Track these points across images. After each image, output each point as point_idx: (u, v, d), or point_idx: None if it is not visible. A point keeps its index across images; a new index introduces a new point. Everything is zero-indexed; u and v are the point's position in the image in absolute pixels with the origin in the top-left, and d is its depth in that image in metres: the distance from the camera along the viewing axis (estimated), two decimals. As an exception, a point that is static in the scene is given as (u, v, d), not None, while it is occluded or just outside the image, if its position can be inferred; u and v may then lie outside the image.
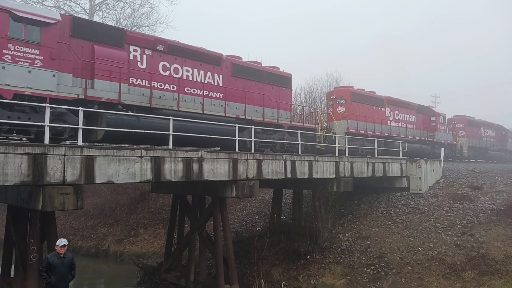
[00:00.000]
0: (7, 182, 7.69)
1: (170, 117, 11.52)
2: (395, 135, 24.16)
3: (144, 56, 13.23)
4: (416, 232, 16.50)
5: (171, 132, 11.29)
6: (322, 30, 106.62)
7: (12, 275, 11.44)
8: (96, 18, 30.97)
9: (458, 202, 18.28)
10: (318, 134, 18.44)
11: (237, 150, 13.25)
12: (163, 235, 21.49)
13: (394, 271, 14.36)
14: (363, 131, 21.89)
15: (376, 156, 19.81)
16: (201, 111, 14.07)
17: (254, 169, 12.60)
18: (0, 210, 25.54)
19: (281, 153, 15.39)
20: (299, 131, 16.16)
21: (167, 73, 13.76)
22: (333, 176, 15.90)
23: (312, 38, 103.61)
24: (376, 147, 20.05)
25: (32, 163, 7.99)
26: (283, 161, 13.69)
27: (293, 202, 19.68)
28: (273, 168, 13.34)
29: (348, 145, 19.18)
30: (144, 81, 12.99)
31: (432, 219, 17.27)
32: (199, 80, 14.65)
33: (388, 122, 24.50)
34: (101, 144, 11.73)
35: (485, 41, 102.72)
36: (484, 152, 34.66)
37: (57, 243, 8.79)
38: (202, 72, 14.83)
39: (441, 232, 16.16)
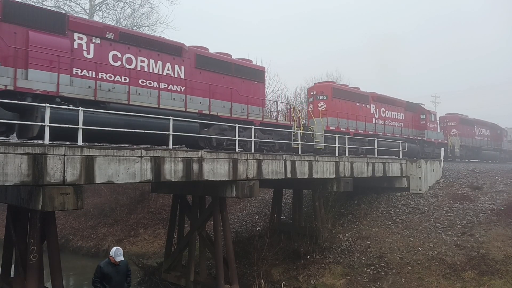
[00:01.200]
0: (7, 182, 7.68)
1: (171, 117, 11.50)
2: (380, 133, 23.14)
3: (91, 45, 11.94)
4: (416, 232, 16.51)
5: (171, 132, 11.29)
6: (322, 30, 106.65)
7: (12, 275, 11.44)
8: (96, 18, 30.97)
9: (458, 202, 18.29)
10: (294, 132, 17.15)
11: (237, 150, 13.25)
12: (163, 235, 21.49)
13: (394, 271, 14.36)
14: (344, 129, 20.75)
15: (366, 155, 19.45)
16: (156, 105, 12.85)
17: (254, 169, 12.60)
18: (0, 210, 25.53)
19: (254, 152, 14.53)
20: (275, 128, 15.27)
21: (118, 63, 12.52)
22: (333, 176, 15.90)
23: (312, 38, 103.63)
24: (365, 146, 19.41)
25: (32, 163, 7.99)
26: (283, 161, 13.70)
27: (293, 202, 19.68)
28: (273, 168, 13.34)
29: (328, 143, 18.46)
30: (90, 72, 11.70)
31: (432, 219, 17.27)
32: (156, 71, 13.42)
33: (373, 119, 23.31)
34: (101, 144, 11.73)
35: (485, 41, 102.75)
36: (477, 152, 33.65)
37: (112, 253, 8.24)
38: (160, 63, 13.57)
39: (441, 232, 16.16)
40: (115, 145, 12.49)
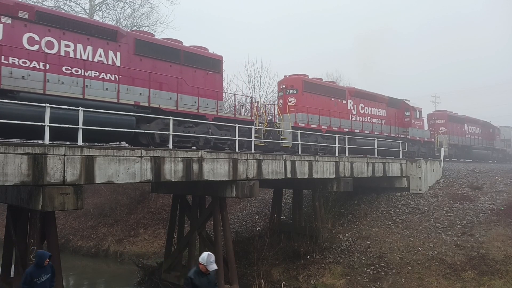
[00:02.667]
0: (7, 182, 7.69)
1: (170, 118, 11.51)
2: (358, 131, 21.44)
3: (0, 25, 10.36)
4: (416, 232, 16.51)
5: (171, 131, 11.29)
6: (322, 30, 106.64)
7: (12, 275, 11.44)
8: (96, 18, 30.98)
9: (458, 202, 18.29)
10: (256, 128, 15.50)
11: (237, 150, 13.25)
12: (163, 235, 21.49)
13: (394, 271, 14.36)
14: (315, 126, 19.05)
15: (337, 154, 17.53)
16: (81, 96, 11.18)
17: (254, 169, 12.60)
18: (0, 210, 25.53)
19: (219, 150, 13.68)
20: (233, 124, 13.82)
21: (36, 47, 10.90)
22: (333, 176, 15.90)
23: (312, 39, 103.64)
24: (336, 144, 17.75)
25: (32, 163, 7.99)
26: (283, 161, 13.70)
27: (293, 202, 19.67)
28: (273, 168, 13.34)
29: (296, 140, 16.81)
30: None
31: (432, 219, 17.27)
32: (84, 57, 11.71)
33: (350, 116, 21.64)
34: (101, 144, 11.73)
35: (485, 41, 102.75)
36: (468, 151, 31.99)
37: (204, 261, 6.59)
38: (90, 48, 11.87)
39: (441, 232, 16.17)
40: (115, 145, 12.59)
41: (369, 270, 14.70)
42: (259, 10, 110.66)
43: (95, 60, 12.00)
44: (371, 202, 19.91)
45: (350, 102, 21.94)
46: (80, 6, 30.34)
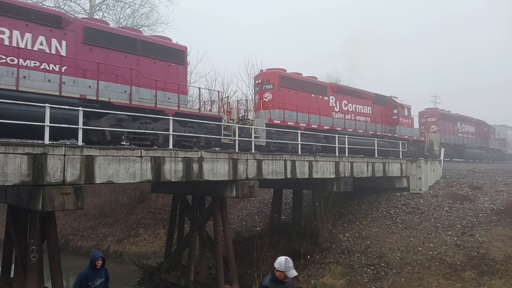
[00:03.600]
0: (7, 182, 7.69)
1: (171, 118, 11.51)
2: (340, 129, 20.30)
3: None
4: (416, 232, 16.51)
5: (171, 132, 11.29)
6: (322, 30, 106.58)
7: (12, 275, 11.44)
8: (96, 18, 30.98)
9: (458, 202, 18.29)
10: (224, 125, 14.53)
11: (237, 150, 13.25)
12: (163, 235, 21.50)
13: (394, 271, 14.36)
14: (292, 123, 17.92)
15: (320, 153, 17.39)
16: (14, 87, 10.17)
17: (254, 169, 12.60)
18: (0, 210, 25.53)
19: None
20: (198, 120, 12.95)
21: None
22: (333, 176, 15.91)
23: (312, 39, 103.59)
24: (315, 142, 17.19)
25: (32, 163, 7.99)
26: (283, 161, 13.70)
27: (293, 202, 19.67)
28: (273, 168, 13.35)
29: (272, 139, 16.02)
30: None
31: (432, 219, 17.27)
32: (22, 46, 10.69)
33: (333, 113, 20.56)
34: (101, 144, 11.74)
35: (485, 42, 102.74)
36: (461, 150, 30.89)
37: (282, 267, 5.50)
38: (28, 35, 10.86)
39: (441, 232, 16.17)
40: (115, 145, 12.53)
41: (369, 270, 14.70)
42: (258, 10, 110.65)
43: (35, 48, 10.92)
44: (371, 202, 19.92)
45: (332, 99, 20.86)
46: (80, 6, 30.38)
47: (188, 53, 15.02)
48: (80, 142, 9.23)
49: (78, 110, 9.41)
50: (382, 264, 14.81)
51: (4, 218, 14.89)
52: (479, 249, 14.48)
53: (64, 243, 22.66)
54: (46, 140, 8.64)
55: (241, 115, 17.76)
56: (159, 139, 12.83)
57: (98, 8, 31.05)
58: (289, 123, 17.81)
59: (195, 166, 10.96)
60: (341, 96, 21.42)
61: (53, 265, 9.47)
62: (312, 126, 18.85)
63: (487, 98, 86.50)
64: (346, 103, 21.70)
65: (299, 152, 15.81)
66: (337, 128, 20.32)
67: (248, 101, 19.75)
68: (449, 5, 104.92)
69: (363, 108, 22.88)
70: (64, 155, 8.43)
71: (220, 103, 16.16)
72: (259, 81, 18.48)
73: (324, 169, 15.44)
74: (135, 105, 12.37)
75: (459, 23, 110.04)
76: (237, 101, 21.11)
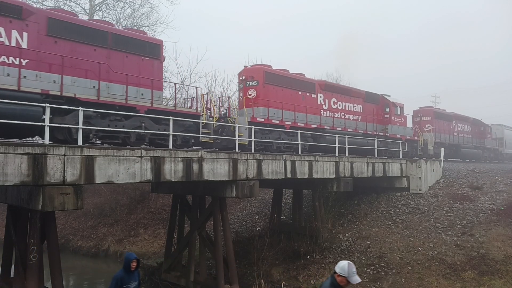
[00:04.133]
0: (7, 182, 7.69)
1: (171, 117, 11.51)
2: (328, 128, 19.61)
3: None
4: (416, 232, 16.51)
5: (171, 132, 11.30)
6: (323, 30, 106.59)
7: (12, 275, 11.45)
8: (96, 18, 30.99)
9: (458, 202, 18.29)
10: (203, 123, 13.89)
11: (237, 150, 13.25)
12: (163, 235, 21.50)
13: (394, 271, 14.36)
14: (277, 121, 17.12)
15: (301, 153, 15.99)
16: None
17: (254, 169, 12.61)
18: (0, 210, 25.54)
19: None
20: (174, 117, 11.94)
21: None
22: (333, 176, 15.91)
23: (313, 38, 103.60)
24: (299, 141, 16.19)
25: (32, 163, 7.99)
26: (283, 161, 13.71)
27: (293, 202, 19.67)
28: (273, 168, 13.35)
29: (257, 137, 15.24)
30: None
31: (432, 219, 17.27)
32: None
33: (321, 111, 19.87)
34: (101, 144, 11.73)
35: (484, 42, 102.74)
36: (456, 150, 30.16)
37: (344, 271, 5.06)
38: None
39: (441, 232, 16.17)
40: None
41: (369, 270, 14.70)
42: (258, 10, 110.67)
43: None
44: (371, 202, 19.92)
45: (320, 97, 20.12)
46: (80, 6, 30.37)
47: (164, 47, 14.34)
48: (80, 142, 9.24)
49: (44, 106, 9.00)
50: (382, 264, 14.81)
51: (4, 218, 14.89)
52: (479, 249, 14.48)
53: (64, 243, 22.66)
54: (46, 140, 8.65)
55: (223, 112, 16.71)
56: (131, 137, 12.19)
57: (98, 8, 31.05)
58: (273, 121, 17.10)
59: (195, 166, 10.97)
60: (330, 94, 20.81)
61: (53, 265, 9.48)
62: (299, 124, 18.10)
63: (487, 98, 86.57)
64: (336, 101, 21.04)
65: (299, 152, 15.84)
66: (325, 127, 19.66)
67: (231, 98, 18.64)
68: (449, 5, 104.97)
69: (354, 107, 22.19)
70: (64, 155, 8.43)
71: (201, 100, 15.29)
72: (243, 78, 17.67)
73: (324, 169, 15.44)
74: (104, 101, 11.66)
75: (459, 24, 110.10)
76: (219, 98, 20.26)
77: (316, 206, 17.76)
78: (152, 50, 13.66)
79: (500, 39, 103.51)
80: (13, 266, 11.38)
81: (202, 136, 13.56)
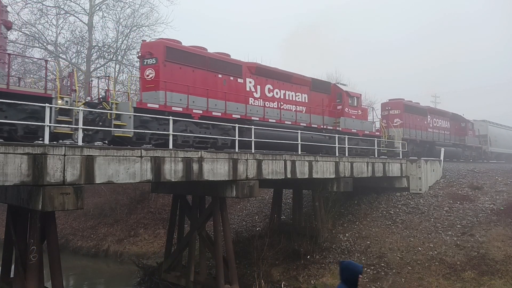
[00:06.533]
0: (7, 182, 7.69)
1: (170, 118, 11.51)
2: (257, 119, 16.31)
3: None
4: (416, 232, 16.51)
5: (171, 132, 11.29)
6: (322, 30, 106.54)
7: (12, 275, 11.45)
8: (96, 18, 30.99)
9: (458, 202, 18.29)
10: (56, 108, 10.05)
11: (237, 150, 13.25)
12: (163, 235, 21.49)
13: (394, 271, 14.36)
14: (180, 109, 13.66)
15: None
16: None
17: (254, 169, 12.61)
18: (0, 210, 25.53)
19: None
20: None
21: None
22: (333, 176, 15.91)
23: (313, 38, 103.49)
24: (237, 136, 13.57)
25: (32, 163, 7.99)
26: (283, 161, 13.71)
27: (293, 202, 19.67)
28: (273, 168, 13.35)
29: (150, 128, 12.52)
30: None
31: (432, 219, 17.27)
32: None
33: (250, 99, 16.64)
34: (101, 144, 11.73)
35: (484, 43, 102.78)
36: (430, 147, 27.14)
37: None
38: None
39: (441, 232, 16.17)
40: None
41: (369, 270, 14.70)
42: (258, 10, 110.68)
43: None
44: (371, 202, 19.92)
45: (250, 82, 16.87)
46: (80, 6, 30.34)
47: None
48: (80, 142, 9.24)
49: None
50: (382, 264, 14.81)
51: (4, 218, 14.89)
52: (479, 249, 14.48)
53: (64, 243, 22.66)
54: (46, 140, 8.64)
55: (101, 95, 13.29)
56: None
57: (98, 8, 31.03)
58: (174, 108, 13.48)
59: (195, 166, 10.97)
60: (264, 79, 17.48)
61: (53, 265, 9.47)
62: (214, 114, 14.71)
63: (487, 98, 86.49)
64: (271, 88, 17.76)
65: (299, 152, 15.76)
66: (253, 118, 16.24)
67: (106, 78, 14.34)
68: (448, 5, 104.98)
69: (296, 96, 18.96)
70: (64, 155, 8.43)
71: (57, 79, 11.87)
72: (139, 55, 14.30)
73: (324, 169, 15.44)
74: None
75: (458, 24, 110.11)
76: (97, 78, 16.76)
77: (316, 206, 17.76)
78: None
79: (500, 39, 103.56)
80: (13, 266, 11.39)
81: (57, 126, 10.07)
